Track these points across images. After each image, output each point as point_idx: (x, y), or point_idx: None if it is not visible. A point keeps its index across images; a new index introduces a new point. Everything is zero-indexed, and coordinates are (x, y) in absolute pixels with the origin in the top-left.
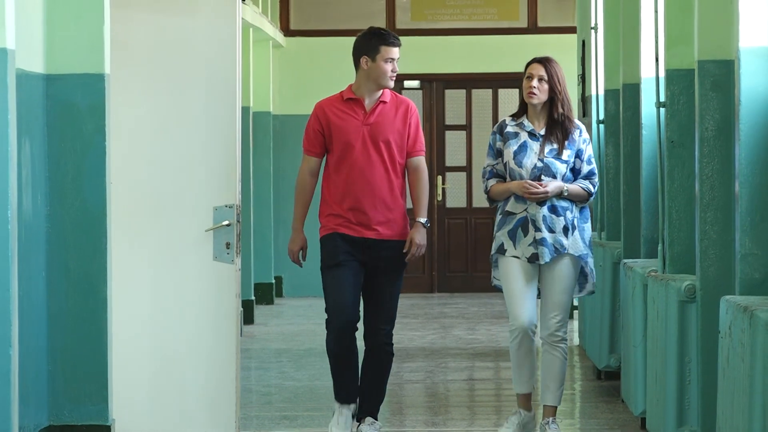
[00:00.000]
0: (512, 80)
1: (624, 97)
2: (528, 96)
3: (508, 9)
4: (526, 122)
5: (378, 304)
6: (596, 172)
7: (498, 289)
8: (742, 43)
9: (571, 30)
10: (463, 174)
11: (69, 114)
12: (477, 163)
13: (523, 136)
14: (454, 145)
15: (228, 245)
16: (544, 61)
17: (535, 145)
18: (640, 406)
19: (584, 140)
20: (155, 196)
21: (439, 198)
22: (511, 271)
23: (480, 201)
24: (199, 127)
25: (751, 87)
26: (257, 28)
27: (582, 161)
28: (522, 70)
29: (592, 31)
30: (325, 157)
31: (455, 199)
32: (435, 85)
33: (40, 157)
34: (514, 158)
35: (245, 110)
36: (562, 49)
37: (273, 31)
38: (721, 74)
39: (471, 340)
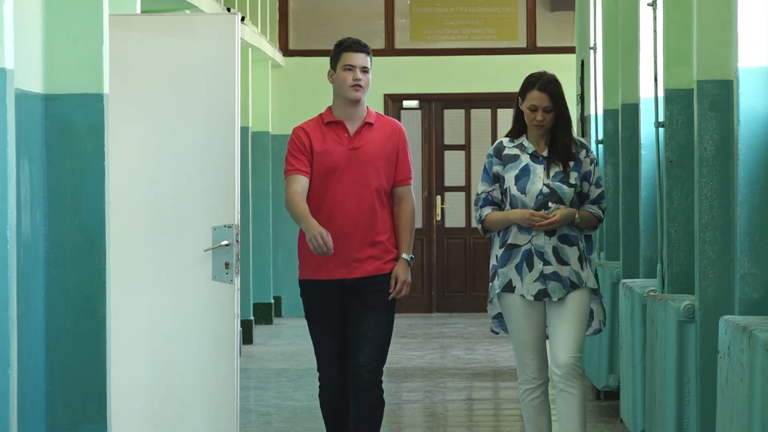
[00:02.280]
0: (511, 100)
1: (623, 117)
2: (535, 128)
3: (507, 29)
4: (526, 143)
5: (360, 342)
6: (605, 195)
7: (496, 333)
8: (740, 63)
9: (570, 50)
10: (462, 194)
11: (68, 134)
12: (476, 183)
13: (525, 159)
14: (453, 165)
15: (227, 265)
16: (549, 90)
17: (538, 169)
18: (639, 426)
19: (592, 161)
20: (154, 216)
21: (438, 218)
22: (520, 315)
23: None
24: (198, 147)
25: (749, 107)
26: (256, 48)
27: (590, 184)
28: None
29: (591, 51)
30: None
31: (454, 218)
32: (434, 105)
33: (38, 177)
34: (516, 184)
35: (244, 130)
36: (560, 69)
37: (272, 51)
38: (720, 94)
39: (470, 360)
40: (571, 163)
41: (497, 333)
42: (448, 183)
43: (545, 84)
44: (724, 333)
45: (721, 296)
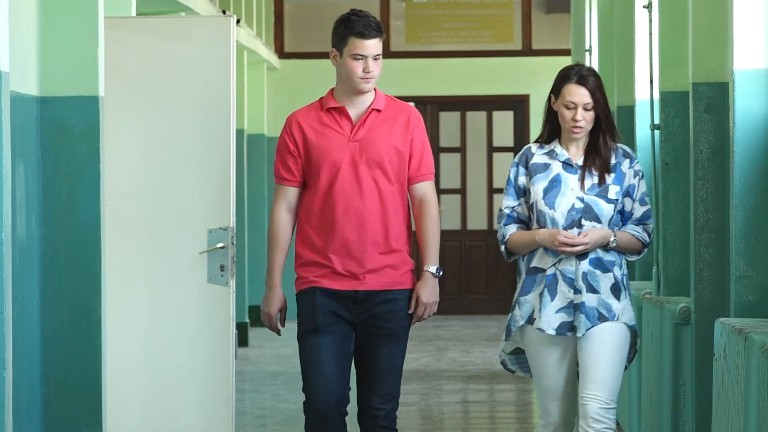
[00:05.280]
0: (507, 102)
1: (618, 120)
2: (572, 131)
3: (503, 31)
4: (558, 149)
5: (374, 378)
6: (652, 214)
7: (507, 369)
8: (736, 65)
9: (566, 52)
10: (458, 196)
11: (63, 136)
12: (471, 186)
13: (556, 168)
14: (449, 168)
15: (222, 268)
16: (587, 84)
17: (571, 180)
18: (635, 428)
19: (636, 172)
20: (150, 219)
21: None
22: (542, 354)
23: (475, 223)
24: (193, 149)
25: (745, 109)
26: (251, 50)
27: (634, 200)
28: (516, 92)
29: (587, 53)
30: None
31: (450, 221)
32: (429, 107)
33: (34, 180)
34: (544, 198)
35: (239, 132)
36: (556, 72)
37: (267, 54)
38: (716, 96)
39: (465, 363)
40: (612, 175)
41: (513, 372)
42: (443, 185)
43: (585, 77)
44: (719, 335)
45: (717, 299)
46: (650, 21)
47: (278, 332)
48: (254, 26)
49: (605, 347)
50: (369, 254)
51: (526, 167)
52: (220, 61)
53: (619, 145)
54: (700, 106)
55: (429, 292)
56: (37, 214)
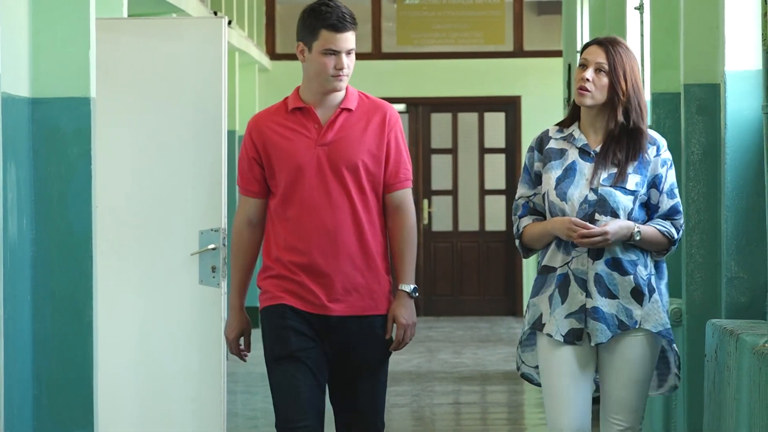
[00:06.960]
0: (498, 103)
1: None
2: (578, 94)
3: (494, 33)
4: (577, 133)
5: (352, 410)
6: (681, 209)
7: (528, 380)
8: (727, 66)
9: (557, 54)
10: (449, 198)
11: (55, 138)
12: (462, 187)
13: (572, 155)
14: (440, 169)
15: (213, 269)
16: (607, 44)
17: (586, 168)
18: None
19: (664, 162)
20: (141, 220)
21: (426, 222)
22: (553, 357)
23: (466, 224)
24: (185, 150)
25: (736, 110)
26: (243, 51)
27: (661, 192)
28: (507, 93)
29: (578, 54)
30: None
31: (441, 222)
32: (421, 108)
33: (25, 181)
34: (555, 187)
35: (231, 134)
36: (548, 73)
37: (259, 55)
38: (707, 98)
39: (457, 364)
40: (633, 163)
41: (540, 385)
42: (435, 187)
43: (609, 41)
44: (711, 337)
45: (709, 300)
46: (641, 22)
47: (243, 358)
48: (246, 27)
49: (630, 365)
50: (340, 273)
51: (542, 152)
52: (212, 62)
53: (646, 130)
54: (692, 107)
55: (407, 312)
56: (29, 215)
